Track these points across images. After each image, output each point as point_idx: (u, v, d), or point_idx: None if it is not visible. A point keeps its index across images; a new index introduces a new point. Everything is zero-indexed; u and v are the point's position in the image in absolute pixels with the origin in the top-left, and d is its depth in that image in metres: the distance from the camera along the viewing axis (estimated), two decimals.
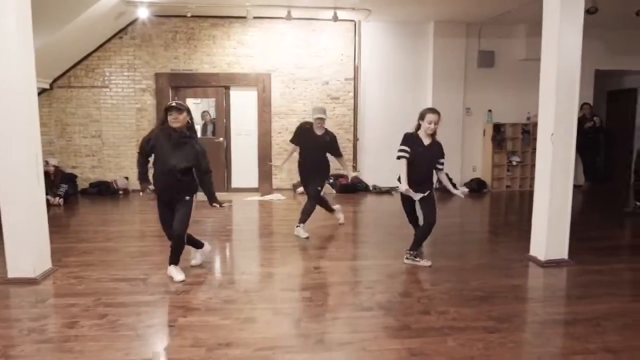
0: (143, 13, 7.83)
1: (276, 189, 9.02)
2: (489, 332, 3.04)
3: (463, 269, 4.44)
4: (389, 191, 9.01)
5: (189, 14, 7.95)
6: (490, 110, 9.29)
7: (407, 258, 4.50)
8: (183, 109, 3.85)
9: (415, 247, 4.51)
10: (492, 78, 9.19)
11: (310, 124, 5.67)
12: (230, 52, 8.76)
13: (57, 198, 7.52)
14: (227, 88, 8.88)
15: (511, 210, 8.14)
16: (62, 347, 2.81)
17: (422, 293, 3.80)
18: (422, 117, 4.38)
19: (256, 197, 8.40)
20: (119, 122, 8.78)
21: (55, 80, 8.47)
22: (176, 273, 4.04)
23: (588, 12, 6.21)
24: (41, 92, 8.45)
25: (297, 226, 5.59)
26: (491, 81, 9.20)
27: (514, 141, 9.44)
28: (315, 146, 5.62)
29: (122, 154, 8.84)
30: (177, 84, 8.80)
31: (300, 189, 8.83)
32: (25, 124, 3.95)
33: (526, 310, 3.57)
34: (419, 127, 4.41)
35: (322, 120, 5.56)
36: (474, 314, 3.35)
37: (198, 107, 9.57)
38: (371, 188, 9.07)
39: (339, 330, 3.11)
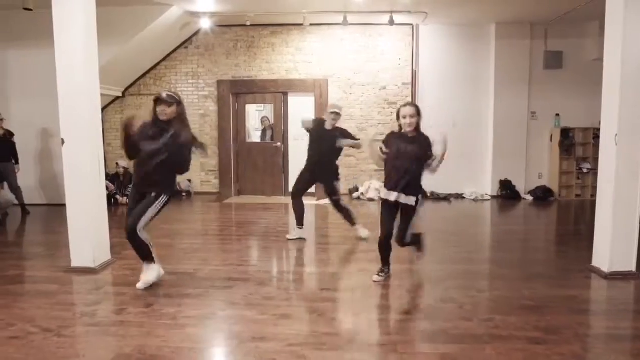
0: (206, 23, 8.20)
1: None
2: (533, 343, 2.86)
3: (516, 277, 4.21)
4: (446, 198, 8.76)
5: (248, 23, 8.22)
6: (557, 115, 8.79)
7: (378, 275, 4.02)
8: (172, 102, 3.63)
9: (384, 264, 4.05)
10: (560, 80, 8.67)
11: (323, 120, 5.48)
12: (289, 58, 8.94)
13: (125, 197, 8.01)
14: (285, 94, 9.07)
15: (579, 219, 7.63)
16: (108, 331, 2.99)
17: (467, 300, 3.65)
18: (397, 114, 3.93)
19: (312, 202, 8.47)
20: None
21: (127, 89, 9.07)
22: (148, 273, 3.83)
23: None
24: (114, 99, 9.09)
25: (354, 228, 5.52)
26: (559, 83, 8.69)
27: (585, 147, 8.86)
28: (323, 139, 5.35)
29: None
30: (237, 91, 9.11)
31: (356, 194, 8.81)
32: (89, 128, 4.28)
33: (580, 323, 3.31)
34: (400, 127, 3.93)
35: (337, 115, 5.36)
36: (519, 323, 3.17)
37: (261, 113, 9.87)
38: (428, 194, 8.86)
39: (373, 331, 3.06)
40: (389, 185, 3.88)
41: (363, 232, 5.49)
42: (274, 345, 2.80)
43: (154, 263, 3.83)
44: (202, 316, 3.27)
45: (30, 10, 6.41)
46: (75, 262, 4.28)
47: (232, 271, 4.28)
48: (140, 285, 3.76)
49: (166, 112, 3.61)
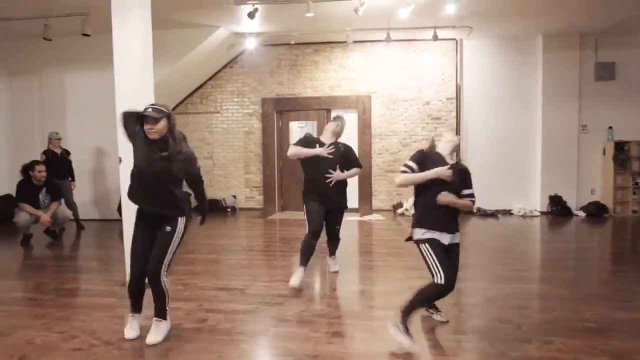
0: (251, 43, 8.40)
1: (375, 209, 8.99)
2: None
3: (575, 297, 4.04)
4: (494, 214, 8.55)
5: (292, 42, 8.37)
6: (610, 127, 8.46)
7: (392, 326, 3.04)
8: (159, 116, 2.92)
9: (407, 313, 3.03)
10: (613, 92, 8.36)
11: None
12: (332, 75, 9.03)
13: None
14: (329, 111, 9.13)
15: (637, 237, 7.27)
16: (163, 345, 3.04)
17: (524, 320, 3.52)
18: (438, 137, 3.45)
19: (356, 217, 8.44)
20: (228, 145, 9.43)
21: (174, 108, 9.37)
22: (157, 334, 3.11)
23: None
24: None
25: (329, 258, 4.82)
26: (611, 95, 8.38)
27: None
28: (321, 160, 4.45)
29: (230, 174, 9.46)
30: (281, 108, 9.25)
31: (400, 210, 8.72)
32: None
33: None
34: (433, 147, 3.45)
35: (336, 124, 4.65)
36: (584, 346, 3.02)
37: (303, 130, 9.97)
38: (475, 210, 8.66)
39: (429, 351, 3.00)
40: (438, 226, 3.19)
41: (334, 267, 4.82)
42: None
43: (166, 320, 3.16)
44: (255, 332, 3.29)
45: (88, 35, 6.75)
46: None
47: (281, 287, 4.30)
48: (150, 341, 3.07)
49: (155, 129, 2.92)
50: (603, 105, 8.42)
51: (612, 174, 8.40)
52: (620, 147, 8.37)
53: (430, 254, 3.13)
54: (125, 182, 4.38)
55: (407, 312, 3.00)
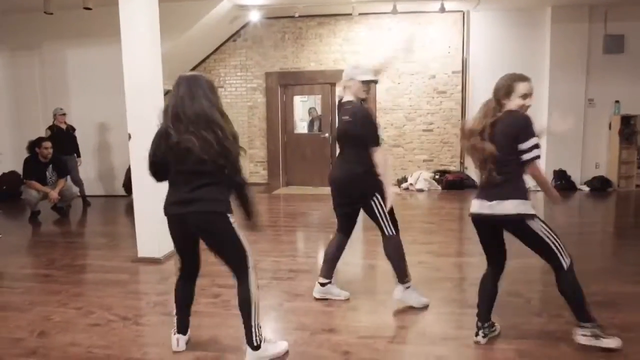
0: (254, 16, 8.27)
1: None
2: None
3: (581, 271, 3.96)
4: None
5: (296, 14, 8.23)
6: (617, 101, 8.39)
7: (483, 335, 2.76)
8: None
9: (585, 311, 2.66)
10: (621, 65, 8.25)
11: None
12: (336, 49, 8.91)
13: None
14: (333, 85, 9.05)
15: None
16: None
17: (534, 294, 3.58)
18: (509, 89, 2.69)
19: None
20: (232, 120, 9.27)
21: None
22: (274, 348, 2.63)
23: None
24: (166, 93, 9.29)
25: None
26: (620, 69, 8.27)
27: None
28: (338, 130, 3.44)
29: None
30: (285, 82, 9.17)
31: (405, 184, 8.73)
32: (153, 120, 4.37)
33: None
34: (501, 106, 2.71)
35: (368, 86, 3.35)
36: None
37: (305, 103, 9.91)
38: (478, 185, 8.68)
39: (442, 325, 3.05)
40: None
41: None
42: (345, 338, 2.83)
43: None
44: (269, 307, 3.34)
45: (90, 9, 6.64)
46: (142, 252, 4.46)
47: (292, 262, 4.35)
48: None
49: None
50: (611, 79, 8.32)
51: (617, 149, 8.38)
52: (627, 121, 8.32)
53: (548, 232, 2.61)
54: (135, 159, 4.39)
55: (584, 311, 2.67)
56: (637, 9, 8.07)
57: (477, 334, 2.76)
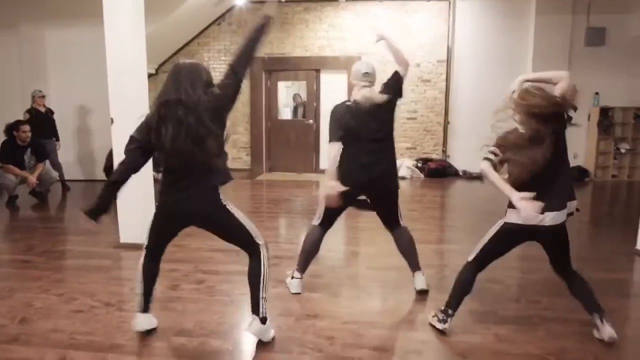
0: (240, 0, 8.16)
1: None
2: (585, 326, 2.87)
3: None
4: (479, 177, 8.67)
5: None
6: (597, 93, 8.55)
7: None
8: None
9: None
10: (602, 58, 8.40)
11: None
12: (322, 35, 8.86)
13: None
14: (318, 71, 9.02)
15: (616, 201, 7.50)
16: (167, 307, 3.10)
17: (513, 280, 3.67)
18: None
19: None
20: None
21: (159, 67, 9.14)
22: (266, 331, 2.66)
23: None
24: (148, 76, 9.16)
25: None
26: (600, 61, 8.42)
27: (624, 127, 8.64)
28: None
29: None
30: (270, 68, 9.10)
31: None
32: (137, 106, 4.33)
33: (630, 307, 3.33)
34: None
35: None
36: (569, 305, 3.14)
37: (289, 89, 9.85)
38: (461, 173, 8.80)
39: (425, 310, 3.10)
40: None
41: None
42: (329, 323, 2.87)
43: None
44: None
45: None
46: (124, 238, 4.42)
47: (276, 249, 4.36)
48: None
49: None
50: (591, 71, 8.45)
51: (595, 140, 8.56)
52: (605, 113, 8.50)
53: None
54: (118, 144, 4.33)
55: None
56: (619, 2, 8.20)
57: (445, 321, 2.77)
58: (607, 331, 2.64)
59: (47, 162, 6.95)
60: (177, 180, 2.48)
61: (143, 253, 2.69)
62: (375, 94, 3.17)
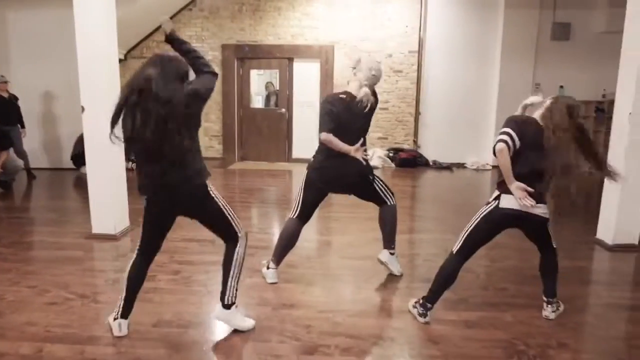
0: None
1: None
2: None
3: (524, 248, 4.32)
4: (449, 167, 8.88)
5: None
6: (562, 87, 8.83)
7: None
8: None
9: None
10: (567, 52, 8.67)
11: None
12: (295, 23, 8.81)
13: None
14: (291, 60, 8.98)
15: (577, 191, 7.81)
16: (144, 297, 3.06)
17: (482, 269, 3.81)
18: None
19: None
20: None
21: (128, 52, 8.91)
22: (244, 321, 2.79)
23: None
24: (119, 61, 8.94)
25: None
26: (565, 55, 8.69)
27: (586, 120, 8.95)
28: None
29: None
30: (242, 55, 9.00)
31: None
32: (109, 94, 4.24)
33: (589, 293, 3.52)
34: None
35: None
36: (534, 292, 3.32)
37: (261, 78, 9.79)
38: (431, 163, 8.97)
39: (398, 299, 3.21)
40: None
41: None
42: (305, 312, 2.94)
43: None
44: None
45: None
46: (96, 228, 4.35)
47: (251, 238, 4.28)
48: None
49: None
50: (556, 65, 8.73)
51: None
52: None
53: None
54: (89, 133, 4.25)
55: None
56: None
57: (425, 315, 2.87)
58: (546, 313, 2.97)
59: (12, 150, 6.74)
60: (149, 168, 2.46)
61: (133, 256, 2.64)
62: (369, 96, 3.22)
